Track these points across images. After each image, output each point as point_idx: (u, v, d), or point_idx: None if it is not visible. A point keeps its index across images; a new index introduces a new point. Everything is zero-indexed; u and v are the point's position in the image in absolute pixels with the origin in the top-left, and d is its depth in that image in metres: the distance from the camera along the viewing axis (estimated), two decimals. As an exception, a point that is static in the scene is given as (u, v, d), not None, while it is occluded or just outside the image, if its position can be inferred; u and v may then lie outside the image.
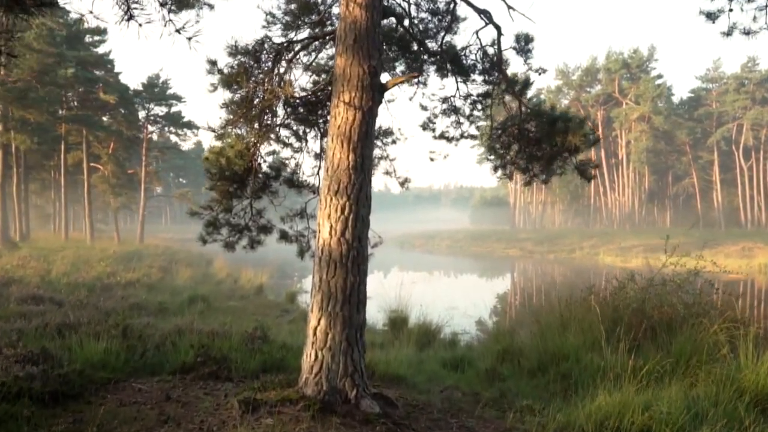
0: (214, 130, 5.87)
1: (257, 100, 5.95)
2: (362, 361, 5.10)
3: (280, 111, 6.76)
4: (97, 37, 36.70)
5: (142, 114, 44.15)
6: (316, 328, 5.01)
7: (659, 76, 70.37)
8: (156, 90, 43.19)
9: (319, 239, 5.08)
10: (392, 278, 31.21)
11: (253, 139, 6.23)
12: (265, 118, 6.43)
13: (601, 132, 68.06)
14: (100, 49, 37.01)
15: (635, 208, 73.10)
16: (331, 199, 5.02)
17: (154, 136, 52.67)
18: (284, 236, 6.87)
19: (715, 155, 67.94)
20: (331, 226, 4.99)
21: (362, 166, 5.06)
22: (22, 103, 28.33)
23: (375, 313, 14.17)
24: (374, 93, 5.16)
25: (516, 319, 16.86)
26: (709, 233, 54.72)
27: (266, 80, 5.69)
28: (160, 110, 44.78)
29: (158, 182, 51.35)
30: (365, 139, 5.09)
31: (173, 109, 45.37)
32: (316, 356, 4.98)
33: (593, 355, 7.47)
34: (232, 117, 5.85)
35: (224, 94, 5.73)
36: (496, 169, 7.79)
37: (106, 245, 34.52)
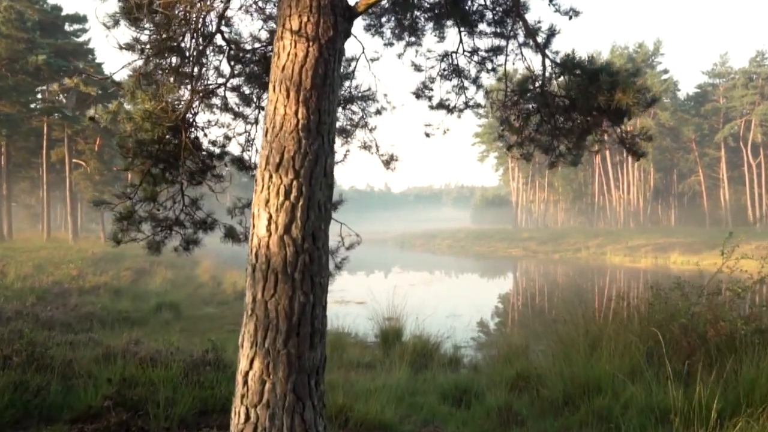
0: (118, 83, 4.16)
1: (184, 44, 4.26)
2: (319, 421, 3.39)
3: (225, 67, 5.04)
4: (77, 25, 34.84)
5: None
6: (247, 374, 3.29)
7: (665, 71, 68.63)
8: (145, 84, 41.14)
9: (253, 238, 3.37)
10: (390, 280, 29.53)
11: (182, 103, 4.53)
12: (202, 72, 4.73)
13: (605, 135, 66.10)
14: (81, 39, 35.17)
15: (640, 207, 71.34)
16: (271, 177, 3.31)
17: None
18: (231, 234, 5.15)
19: (722, 152, 66.17)
20: (269, 218, 3.28)
21: (318, 126, 3.34)
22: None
23: (365, 323, 12.49)
24: (336, 18, 3.44)
25: (527, 325, 15.15)
26: (717, 232, 53.04)
27: (189, 11, 3.98)
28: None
29: (149, 180, 49.23)
30: (323, 87, 3.37)
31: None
32: (248, 417, 3.26)
33: (637, 387, 5.77)
34: (141, 65, 4.16)
35: (129, 32, 4.03)
36: (510, 148, 6.06)
37: (88, 245, 32.71)
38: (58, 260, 22.16)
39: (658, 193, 75.33)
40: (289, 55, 3.38)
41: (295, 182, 3.27)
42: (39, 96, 36.56)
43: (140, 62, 4.13)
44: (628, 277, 31.45)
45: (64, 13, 33.86)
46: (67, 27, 34.74)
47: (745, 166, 65.00)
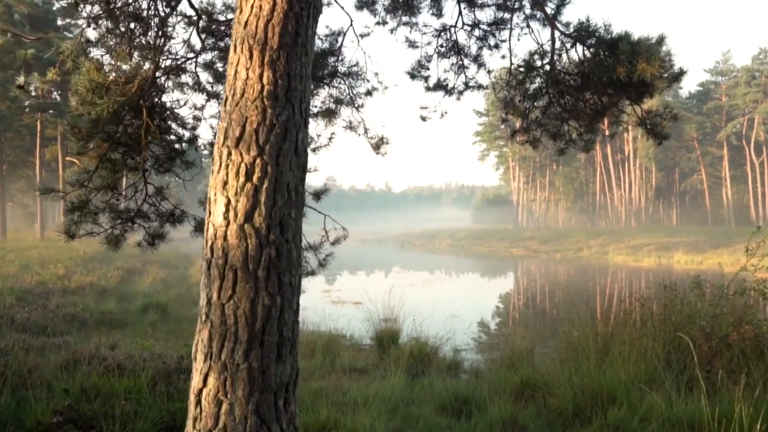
0: (58, 49, 3.57)
1: (140, 6, 3.70)
2: (290, 448, 2.81)
3: (195, 40, 4.47)
4: (69, 20, 34.19)
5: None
6: (200, 393, 2.72)
7: (667, 69, 67.94)
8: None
9: (208, 227, 2.80)
10: (389, 280, 28.95)
11: (142, 76, 3.96)
12: (167, 44, 4.16)
13: (607, 128, 65.63)
14: (74, 34, 34.40)
15: (642, 206, 70.73)
16: (230, 154, 2.74)
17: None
18: (201, 228, 4.59)
19: (725, 151, 65.56)
20: (227, 203, 2.71)
21: (288, 93, 2.77)
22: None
23: (361, 324, 11.92)
24: (311, -36, 2.87)
25: (530, 327, 14.58)
26: (720, 231, 52.54)
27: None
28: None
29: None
30: (293, 47, 2.80)
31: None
32: (201, 444, 2.69)
33: (655, 398, 5.20)
34: (85, 27, 3.60)
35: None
36: (514, 134, 5.49)
37: (81, 244, 32.14)
38: (47, 259, 21.59)
39: (660, 192, 74.75)
40: (252, 7, 2.81)
41: (258, 160, 2.70)
42: (33, 93, 35.96)
43: (83, 24, 3.57)
44: (633, 276, 30.88)
45: (55, 7, 33.34)
46: (59, 21, 34.17)
47: (748, 164, 64.39)
